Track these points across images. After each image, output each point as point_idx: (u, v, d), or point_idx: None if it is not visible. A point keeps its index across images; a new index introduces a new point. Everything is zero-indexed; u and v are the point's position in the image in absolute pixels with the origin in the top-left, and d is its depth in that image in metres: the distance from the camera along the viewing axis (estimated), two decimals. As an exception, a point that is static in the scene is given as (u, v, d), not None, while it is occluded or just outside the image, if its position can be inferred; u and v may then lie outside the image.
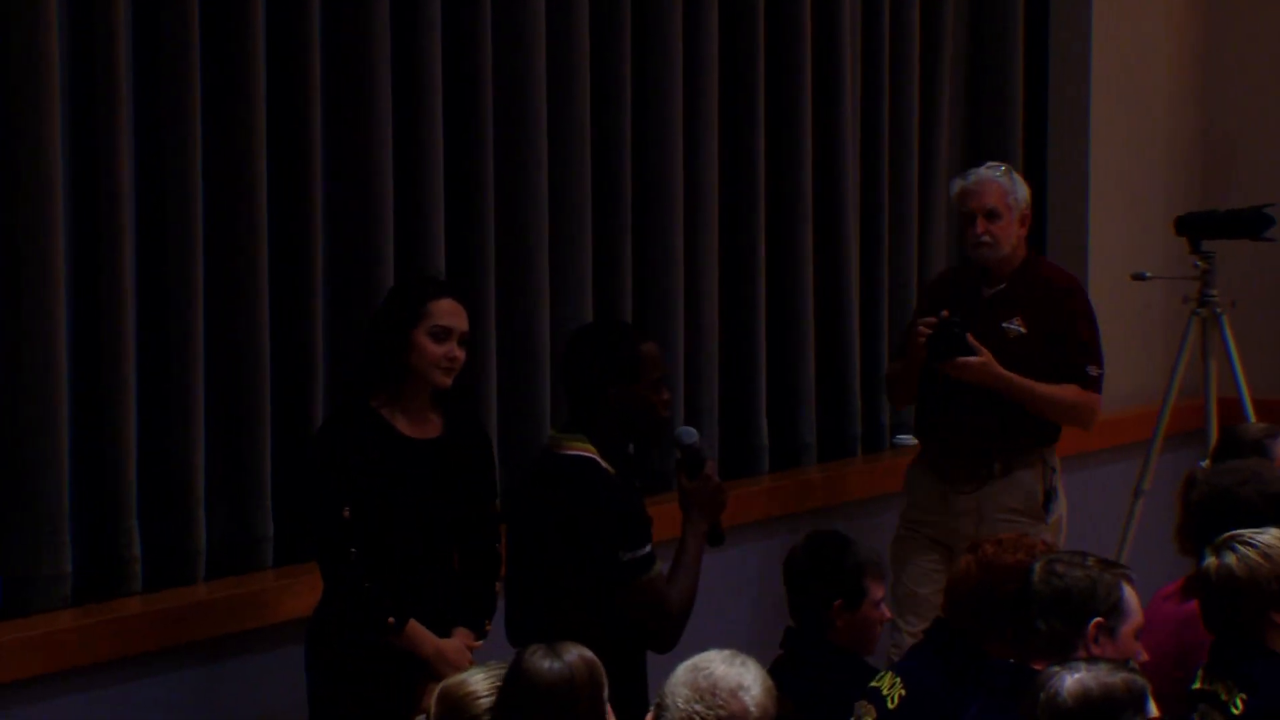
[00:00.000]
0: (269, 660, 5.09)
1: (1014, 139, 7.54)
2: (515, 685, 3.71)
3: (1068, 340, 6.00)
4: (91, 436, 4.93)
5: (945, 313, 5.90)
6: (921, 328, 5.89)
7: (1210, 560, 4.41)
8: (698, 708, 3.72)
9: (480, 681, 3.80)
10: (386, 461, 4.85)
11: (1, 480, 4.75)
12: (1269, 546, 4.39)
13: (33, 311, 4.77)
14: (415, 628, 4.81)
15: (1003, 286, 6.00)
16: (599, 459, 4.97)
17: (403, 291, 5.00)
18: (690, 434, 5.17)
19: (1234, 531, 4.47)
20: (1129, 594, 4.26)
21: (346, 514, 4.78)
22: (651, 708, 3.83)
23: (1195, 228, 7.11)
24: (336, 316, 5.42)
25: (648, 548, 4.92)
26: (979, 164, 6.17)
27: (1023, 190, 6.01)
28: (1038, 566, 4.30)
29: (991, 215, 5.92)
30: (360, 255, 5.43)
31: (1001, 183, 5.97)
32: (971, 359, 5.85)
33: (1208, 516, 4.78)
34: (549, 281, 5.87)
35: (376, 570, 4.79)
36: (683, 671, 3.78)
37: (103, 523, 4.96)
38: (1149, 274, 7.21)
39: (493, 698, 3.76)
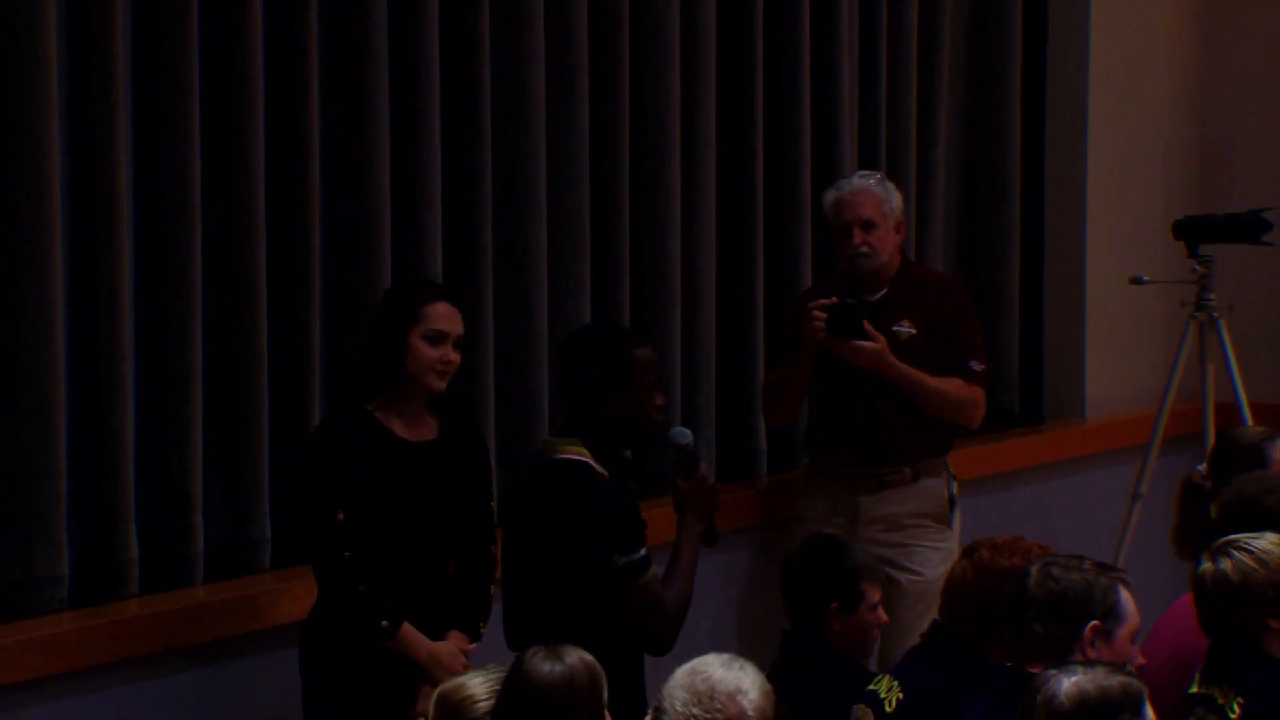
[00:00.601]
0: (266, 663, 5.09)
1: (1011, 143, 7.54)
2: (515, 688, 3.72)
3: (951, 336, 6.00)
4: (89, 439, 4.93)
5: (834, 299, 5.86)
6: (816, 311, 5.82)
7: (1206, 565, 4.41)
8: (696, 711, 3.72)
9: (478, 685, 3.81)
10: (382, 464, 4.84)
11: (-1, 483, 4.76)
12: (1265, 552, 4.39)
13: (31, 313, 4.77)
14: (409, 631, 4.81)
15: (885, 292, 5.99)
16: (593, 463, 4.97)
17: (398, 295, 5.00)
18: (685, 435, 5.17)
19: (1230, 537, 4.47)
20: (1125, 597, 4.26)
21: (340, 517, 4.78)
22: (649, 711, 3.83)
23: (1193, 231, 7.10)
24: (334, 319, 5.42)
25: (643, 551, 4.92)
26: (852, 174, 6.15)
27: (897, 198, 5.99)
28: (1034, 569, 4.30)
29: (868, 226, 5.89)
30: (358, 258, 5.43)
31: (876, 192, 5.94)
32: (867, 344, 5.81)
33: (1235, 525, 4.78)
34: (547, 284, 5.87)
35: (371, 573, 4.79)
36: (681, 675, 3.79)
37: (100, 525, 4.96)
38: (1146, 278, 7.21)
39: (491, 701, 3.76)
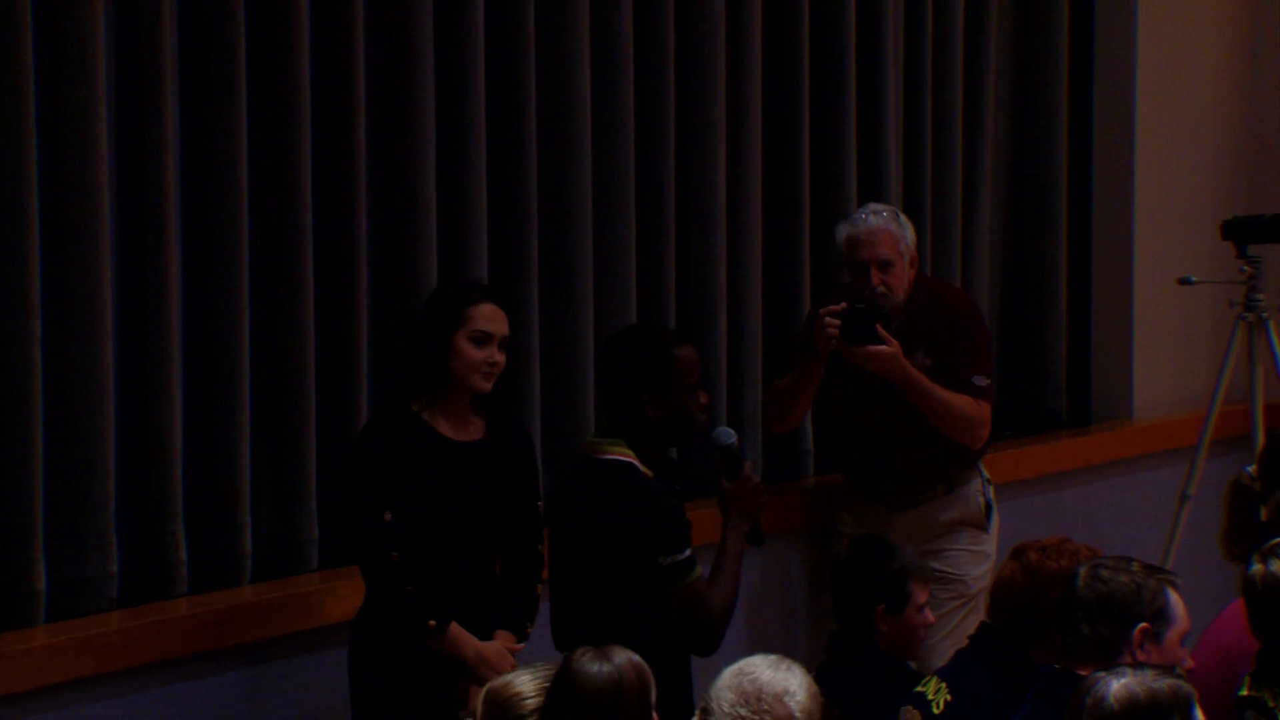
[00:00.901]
0: (313, 662, 5.10)
1: (1059, 144, 7.52)
2: (563, 688, 3.72)
3: (955, 350, 5.89)
4: (138, 439, 4.96)
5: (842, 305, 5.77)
6: (828, 318, 5.72)
7: (1257, 567, 4.39)
8: (743, 712, 3.72)
9: (526, 683, 3.82)
10: (428, 464, 4.85)
11: (49, 483, 4.78)
12: None
13: (80, 314, 4.80)
14: (457, 630, 4.82)
15: (898, 325, 5.85)
16: (637, 463, 4.97)
17: (443, 296, 5.01)
18: (728, 435, 5.17)
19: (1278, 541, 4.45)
20: (1174, 600, 4.25)
21: (388, 517, 4.79)
22: (696, 712, 3.82)
23: (1241, 232, 7.06)
24: (380, 321, 5.43)
25: (688, 551, 4.92)
26: (864, 207, 6.00)
27: (910, 233, 5.89)
28: (1083, 571, 4.29)
29: (885, 265, 5.79)
30: (404, 260, 5.44)
31: (892, 229, 5.84)
32: (883, 348, 5.71)
33: None
34: (592, 285, 5.87)
35: (418, 573, 4.79)
36: (728, 676, 3.78)
37: (149, 525, 4.98)
38: (1195, 278, 7.18)
39: (539, 699, 3.77)
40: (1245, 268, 7.02)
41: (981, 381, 5.89)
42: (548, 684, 3.79)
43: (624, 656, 3.73)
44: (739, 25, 6.27)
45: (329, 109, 5.29)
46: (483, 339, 4.90)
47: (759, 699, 3.72)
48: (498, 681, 3.87)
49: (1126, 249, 7.71)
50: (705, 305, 6.23)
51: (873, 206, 5.95)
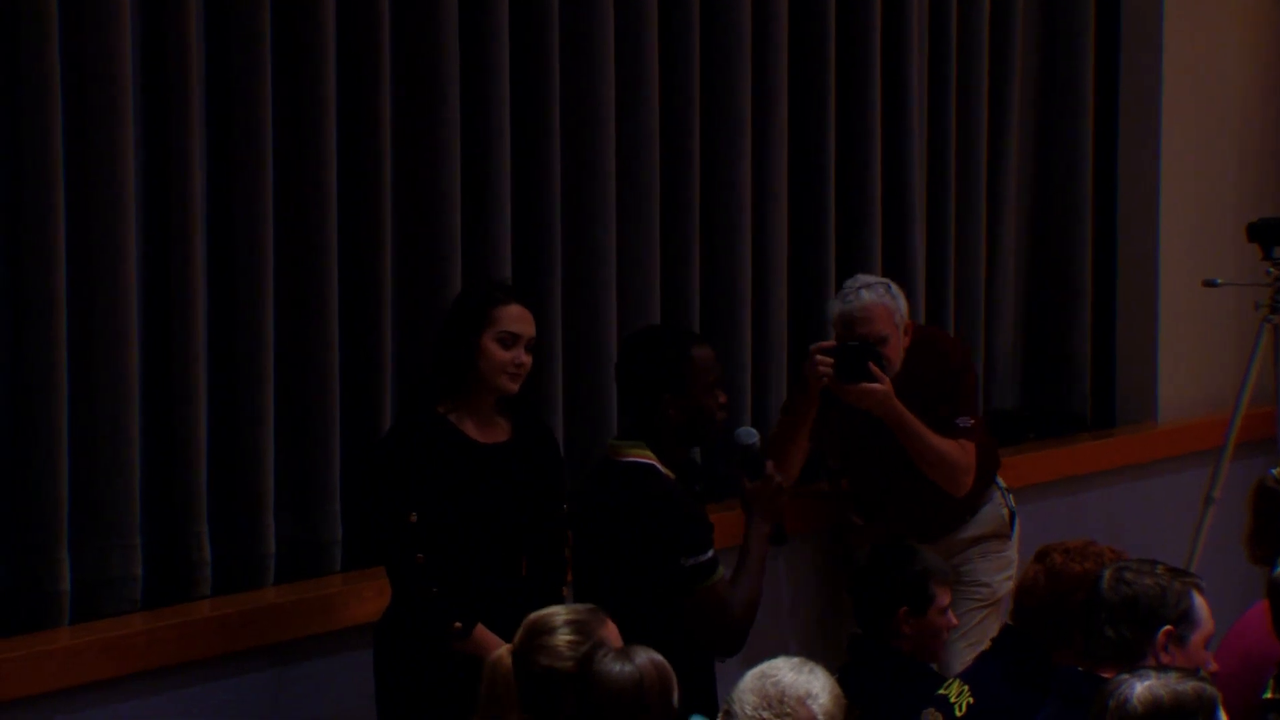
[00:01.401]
0: (337, 664, 5.10)
1: (1084, 145, 7.51)
2: (586, 687, 3.73)
3: (937, 390, 5.81)
4: (162, 441, 4.96)
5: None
6: (820, 356, 5.65)
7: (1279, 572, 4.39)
8: (765, 715, 3.72)
9: (562, 611, 3.91)
10: (454, 466, 4.85)
11: (73, 485, 4.79)
12: None
13: (104, 317, 4.81)
14: (483, 632, 4.81)
15: (894, 378, 5.77)
16: (658, 465, 4.97)
17: (470, 297, 5.01)
18: (750, 434, 5.16)
19: None
20: (1199, 602, 4.23)
21: (413, 519, 4.79)
22: (720, 714, 3.82)
23: (1267, 234, 7.05)
24: (405, 322, 5.44)
25: (710, 553, 4.92)
26: (855, 276, 5.89)
27: (903, 302, 5.80)
28: (1107, 574, 4.28)
29: (882, 341, 5.71)
30: (428, 261, 5.45)
31: (886, 303, 5.74)
32: (876, 386, 5.63)
33: None
34: (615, 287, 5.87)
35: (444, 575, 4.80)
36: (751, 678, 3.78)
37: (172, 527, 4.99)
38: (1220, 280, 7.16)
39: (570, 617, 3.84)
40: (1271, 270, 7.00)
41: (965, 423, 5.80)
42: (580, 615, 3.83)
43: (645, 656, 3.74)
44: (765, 24, 6.27)
45: (354, 110, 5.30)
46: (510, 340, 4.90)
47: (781, 701, 3.72)
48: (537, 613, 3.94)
49: (1151, 251, 7.69)
50: (729, 306, 6.23)
51: (863, 280, 5.85)
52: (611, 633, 3.88)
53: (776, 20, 6.30)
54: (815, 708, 3.73)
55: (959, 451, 5.78)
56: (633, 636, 4.00)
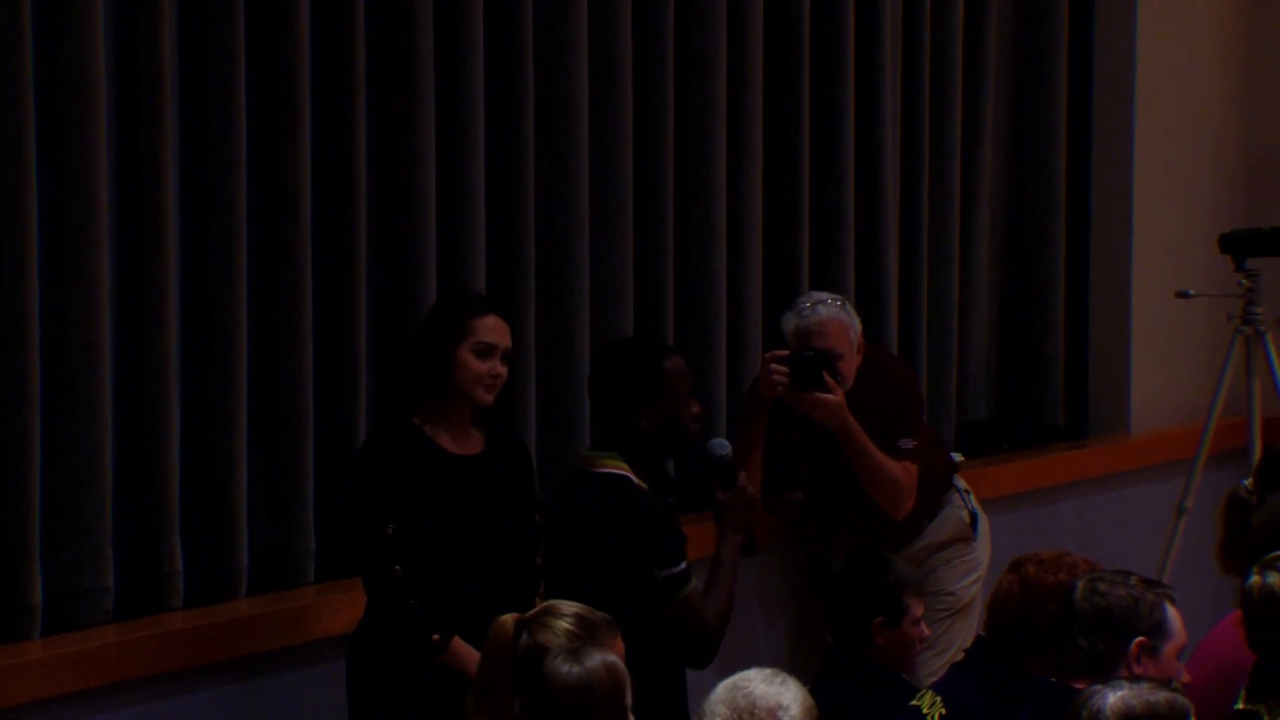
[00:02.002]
0: (310, 676, 5.09)
1: (1057, 156, 7.53)
2: (536, 688, 3.72)
3: (889, 414, 5.82)
4: (134, 451, 4.95)
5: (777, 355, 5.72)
6: (774, 365, 5.66)
7: (1254, 579, 4.39)
8: None
9: (569, 606, 3.87)
10: (430, 478, 4.85)
11: (45, 495, 4.77)
12: None
13: (77, 325, 4.79)
14: (459, 645, 4.81)
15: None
16: (632, 476, 4.97)
17: (446, 308, 5.01)
18: (723, 446, 5.17)
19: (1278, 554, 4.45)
20: (1172, 614, 4.24)
21: (390, 531, 4.78)
22: (690, 724, 3.83)
23: (1239, 245, 7.07)
24: (379, 332, 5.43)
25: (683, 565, 4.92)
26: (809, 293, 5.92)
27: (857, 321, 5.81)
28: (1080, 584, 4.28)
29: (838, 357, 5.72)
30: (402, 271, 5.44)
31: (842, 320, 5.76)
32: (830, 397, 5.63)
33: (1268, 543, 4.75)
34: (589, 297, 5.87)
35: (420, 587, 4.79)
36: (722, 690, 3.78)
37: (145, 538, 4.97)
38: (1193, 291, 7.19)
39: (584, 613, 3.81)
40: (1243, 281, 7.03)
41: (907, 444, 5.79)
42: (593, 616, 3.82)
43: (598, 658, 3.72)
44: (739, 34, 6.28)
45: (328, 119, 5.29)
46: (486, 351, 4.90)
47: (752, 713, 3.71)
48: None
49: (1124, 262, 7.71)
50: (704, 316, 6.23)
51: (817, 296, 5.86)
52: (616, 648, 3.84)
53: (751, 32, 6.31)
54: (786, 719, 3.72)
55: (902, 473, 5.78)
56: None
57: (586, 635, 3.80)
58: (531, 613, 3.87)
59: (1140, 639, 4.19)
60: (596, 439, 5.18)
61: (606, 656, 3.74)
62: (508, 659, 3.78)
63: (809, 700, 3.78)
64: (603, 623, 3.87)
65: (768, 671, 3.80)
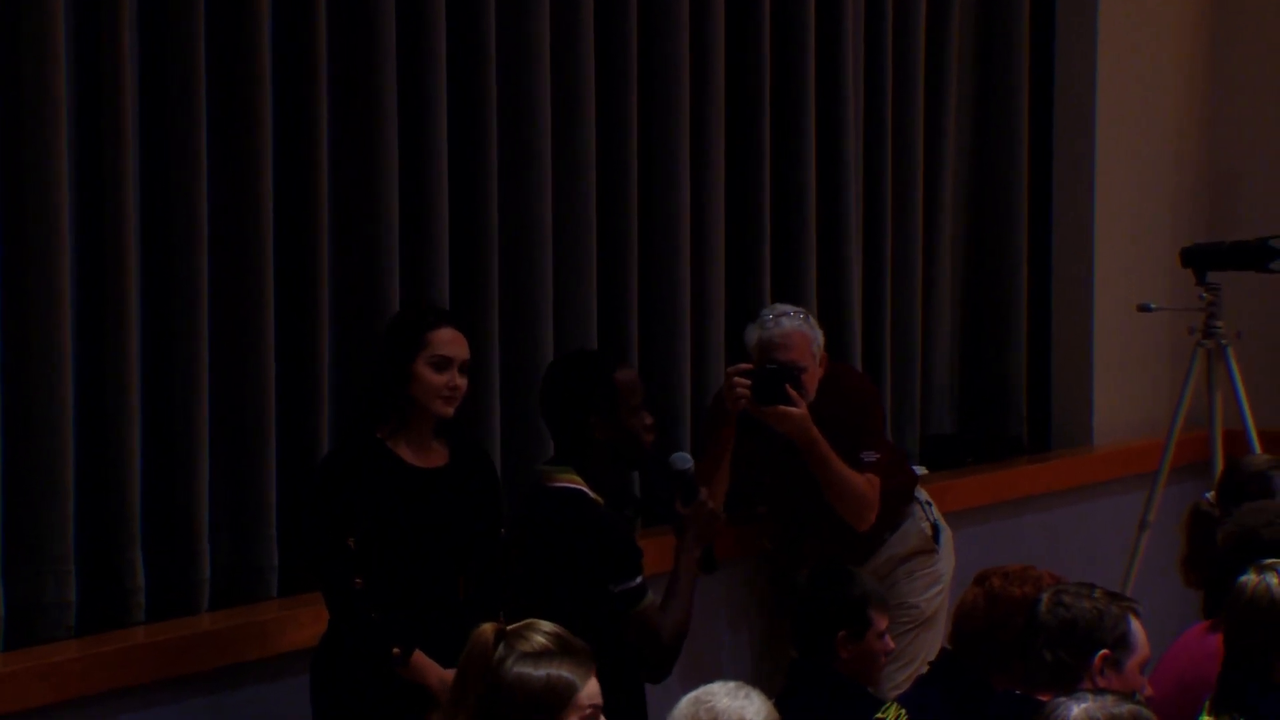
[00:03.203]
0: (273, 691, 5.07)
1: (1019, 171, 7.55)
2: (490, 688, 3.72)
3: (852, 428, 5.82)
4: (96, 466, 4.93)
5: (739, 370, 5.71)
6: (737, 379, 5.65)
7: (1250, 577, 4.38)
8: None
9: (547, 625, 3.82)
10: (391, 491, 4.84)
11: (6, 509, 4.75)
12: None
13: (38, 339, 4.77)
14: (421, 658, 4.80)
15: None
16: (587, 490, 4.96)
17: (403, 321, 5.01)
18: (685, 460, 5.16)
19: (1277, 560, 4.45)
20: (1136, 627, 4.25)
21: (351, 544, 4.77)
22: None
23: (1201, 259, 7.10)
24: (342, 345, 5.42)
25: (638, 579, 4.91)
26: (771, 309, 5.89)
27: (819, 334, 5.82)
28: (1045, 597, 4.29)
29: (801, 370, 5.70)
30: (365, 283, 5.43)
31: (805, 333, 5.76)
32: (793, 410, 5.64)
33: (1232, 556, 4.76)
34: (553, 309, 5.87)
35: (382, 601, 4.78)
36: (685, 703, 3.77)
37: (107, 552, 4.95)
38: (1154, 305, 7.21)
39: (563, 634, 3.76)
40: (1204, 295, 7.06)
41: (870, 457, 5.79)
42: (572, 641, 3.76)
43: (548, 672, 3.68)
44: (702, 47, 6.28)
45: (290, 132, 5.28)
46: (443, 364, 4.90)
47: None
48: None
49: (1087, 276, 7.74)
50: (668, 327, 6.23)
51: (780, 308, 5.85)
52: (591, 687, 3.76)
53: (713, 45, 6.31)
54: None
55: (865, 486, 5.78)
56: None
57: (559, 651, 3.78)
58: (514, 626, 3.86)
59: (1104, 651, 4.20)
60: (552, 453, 5.17)
61: (562, 674, 3.70)
62: (483, 667, 3.76)
63: (774, 713, 3.79)
64: (583, 652, 3.80)
65: (732, 685, 3.79)
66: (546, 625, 3.80)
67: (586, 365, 5.11)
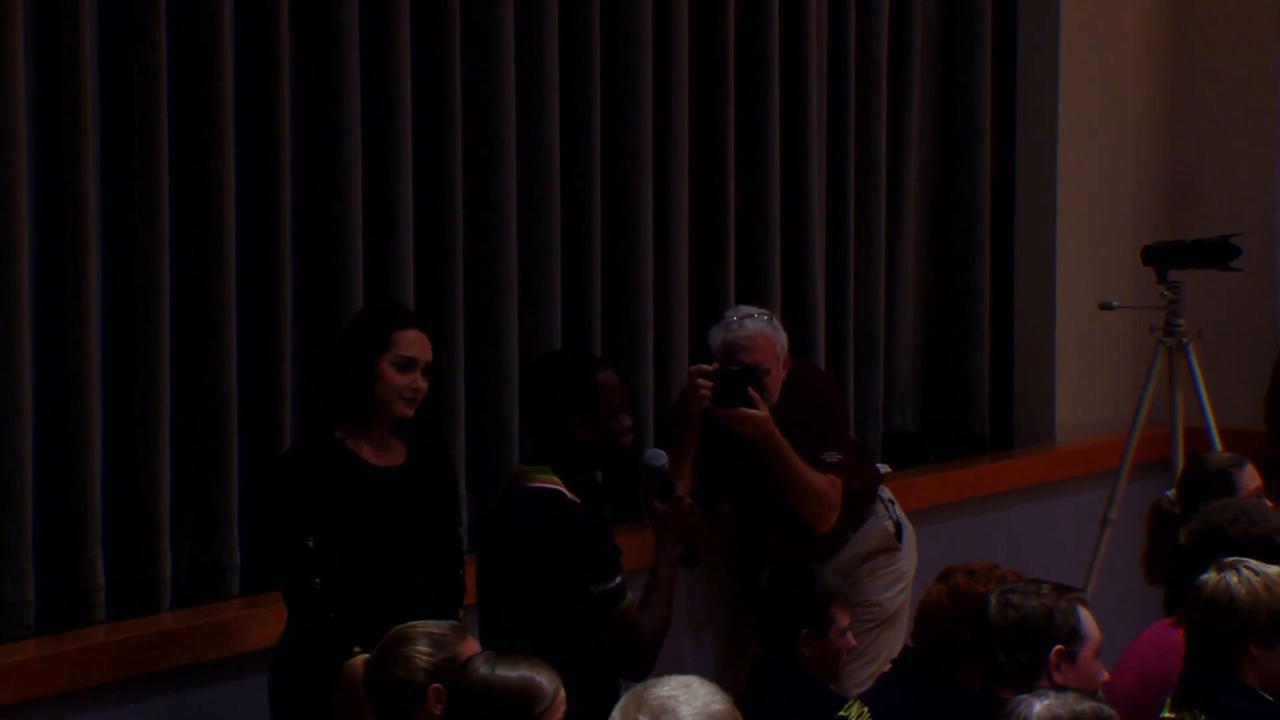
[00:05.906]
0: (234, 690, 5.07)
1: (982, 169, 7.56)
2: (459, 692, 3.75)
3: (804, 425, 5.79)
4: (56, 464, 4.91)
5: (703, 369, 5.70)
6: (701, 380, 5.64)
7: (1212, 574, 4.39)
8: None
9: (428, 624, 3.97)
10: (350, 490, 4.83)
11: (-35, 509, 4.73)
12: (1273, 581, 4.39)
13: (-3, 339, 4.76)
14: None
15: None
16: (565, 490, 4.95)
17: (367, 321, 5.00)
18: (659, 457, 5.16)
19: (1241, 557, 4.47)
20: (1085, 616, 4.28)
21: (311, 544, 4.76)
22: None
23: (1162, 258, 7.13)
24: (304, 344, 5.41)
25: (618, 579, 4.91)
26: (736, 309, 5.85)
27: (783, 337, 5.80)
28: (993, 599, 4.31)
29: (764, 373, 5.69)
30: (328, 283, 5.42)
31: (769, 335, 5.74)
32: (755, 412, 5.62)
33: (1198, 552, 4.78)
34: (518, 310, 5.87)
35: (341, 599, 4.77)
36: (626, 698, 3.72)
37: (67, 551, 4.93)
38: (1116, 303, 7.23)
39: (431, 630, 3.90)
40: (1166, 293, 7.08)
41: (833, 458, 5.78)
42: (440, 630, 3.90)
43: (518, 673, 3.73)
44: (666, 50, 6.29)
45: (253, 131, 5.27)
46: (407, 364, 4.89)
47: (641, 710, 3.64)
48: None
49: (1049, 274, 7.76)
50: (632, 328, 6.23)
51: (744, 310, 5.83)
52: (471, 648, 3.88)
53: (677, 48, 6.31)
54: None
55: (827, 486, 5.77)
56: (541, 659, 3.98)
57: (441, 651, 3.86)
58: (377, 649, 3.91)
59: (1058, 647, 4.22)
60: (529, 453, 5.16)
61: (525, 673, 3.77)
62: (361, 702, 3.83)
63: (724, 710, 3.64)
64: (452, 632, 3.94)
65: (681, 679, 3.71)
66: (411, 633, 3.94)
67: (569, 365, 5.11)
